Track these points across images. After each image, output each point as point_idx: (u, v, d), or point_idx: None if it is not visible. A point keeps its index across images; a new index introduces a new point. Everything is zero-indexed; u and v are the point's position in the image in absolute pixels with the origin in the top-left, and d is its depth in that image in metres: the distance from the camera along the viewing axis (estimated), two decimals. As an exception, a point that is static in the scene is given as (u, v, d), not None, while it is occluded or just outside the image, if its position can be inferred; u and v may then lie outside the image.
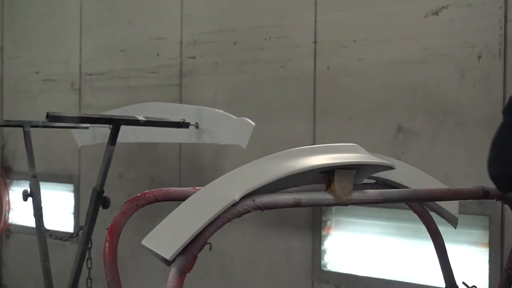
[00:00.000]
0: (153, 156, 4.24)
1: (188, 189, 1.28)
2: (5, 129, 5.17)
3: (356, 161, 1.24)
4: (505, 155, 1.63)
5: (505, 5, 2.88)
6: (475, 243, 2.96)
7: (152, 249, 1.15)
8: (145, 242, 1.16)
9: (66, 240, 3.51)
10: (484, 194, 1.43)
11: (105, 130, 3.56)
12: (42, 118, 3.08)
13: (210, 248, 1.17)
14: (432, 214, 1.72)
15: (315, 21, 3.47)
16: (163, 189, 1.26)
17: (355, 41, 3.30)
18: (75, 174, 4.68)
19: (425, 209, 1.66)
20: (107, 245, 1.19)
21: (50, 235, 3.35)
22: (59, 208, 4.73)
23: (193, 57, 4.02)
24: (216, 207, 1.13)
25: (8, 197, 5.21)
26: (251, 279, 3.74)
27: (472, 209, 2.89)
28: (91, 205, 3.18)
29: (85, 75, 4.65)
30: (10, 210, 5.21)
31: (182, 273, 1.12)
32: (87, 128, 3.74)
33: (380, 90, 3.23)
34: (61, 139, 4.59)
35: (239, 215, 1.15)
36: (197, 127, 3.31)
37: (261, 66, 3.69)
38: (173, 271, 1.13)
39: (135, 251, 4.14)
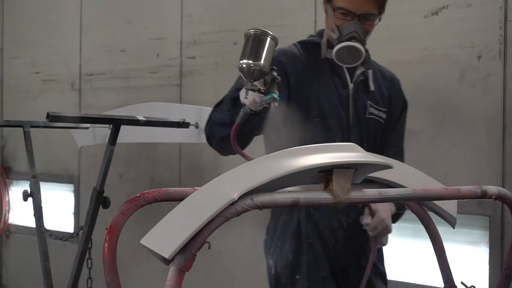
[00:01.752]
0: (153, 156, 4.24)
1: (188, 189, 1.28)
2: (5, 129, 5.17)
3: (355, 160, 1.24)
4: None
5: (505, 5, 2.88)
6: (475, 243, 2.97)
7: (151, 248, 1.15)
8: (144, 241, 1.16)
9: (66, 240, 3.50)
10: (482, 194, 1.43)
11: (105, 130, 3.56)
12: (42, 118, 3.08)
13: (209, 247, 1.17)
14: (431, 214, 1.72)
15: (315, 21, 3.47)
16: (162, 189, 1.26)
17: (355, 41, 3.30)
18: (75, 174, 4.69)
19: (423, 209, 1.66)
20: (106, 245, 1.19)
21: (50, 235, 3.35)
22: (59, 208, 4.73)
23: (193, 57, 4.02)
24: (214, 206, 1.13)
25: (8, 197, 5.21)
26: (251, 279, 3.74)
27: (472, 209, 2.89)
28: (91, 205, 3.18)
29: (85, 75, 4.66)
30: (10, 210, 5.21)
31: (181, 272, 1.12)
32: (87, 128, 3.74)
33: (380, 90, 3.23)
34: (61, 139, 4.60)
35: (238, 214, 1.14)
36: (197, 127, 3.31)
37: (261, 66, 3.69)
38: (172, 270, 1.12)
39: (135, 251, 4.14)
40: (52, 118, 2.93)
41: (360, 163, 1.25)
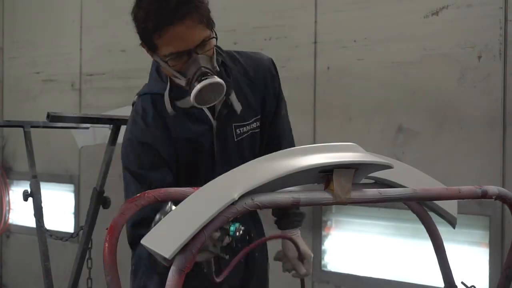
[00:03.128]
0: (153, 156, 4.24)
1: (188, 189, 1.28)
2: (5, 129, 5.17)
3: (355, 160, 1.24)
4: None
5: (505, 5, 2.88)
6: (475, 243, 2.97)
7: (152, 248, 1.15)
8: (145, 241, 1.16)
9: (67, 240, 3.50)
10: (482, 194, 1.43)
11: (105, 131, 3.56)
12: (42, 119, 3.09)
13: (209, 247, 1.17)
14: (432, 214, 1.72)
15: (315, 21, 3.47)
16: (162, 189, 1.26)
17: (355, 41, 3.30)
18: (76, 174, 4.68)
19: (424, 209, 1.66)
20: (106, 245, 1.19)
21: (51, 235, 3.35)
22: (60, 208, 4.73)
23: (193, 57, 4.02)
24: (215, 206, 1.13)
25: (8, 197, 5.21)
26: (251, 279, 3.73)
27: (472, 209, 2.89)
28: (92, 205, 3.18)
29: (85, 75, 4.66)
30: (10, 210, 5.21)
31: (181, 272, 1.12)
32: (87, 128, 3.74)
33: (380, 90, 3.23)
34: (61, 139, 4.59)
35: (238, 214, 1.14)
36: (197, 127, 3.30)
37: (261, 66, 3.68)
38: (172, 270, 1.13)
39: (135, 251, 4.13)
40: (53, 118, 2.94)
41: (361, 163, 1.25)
